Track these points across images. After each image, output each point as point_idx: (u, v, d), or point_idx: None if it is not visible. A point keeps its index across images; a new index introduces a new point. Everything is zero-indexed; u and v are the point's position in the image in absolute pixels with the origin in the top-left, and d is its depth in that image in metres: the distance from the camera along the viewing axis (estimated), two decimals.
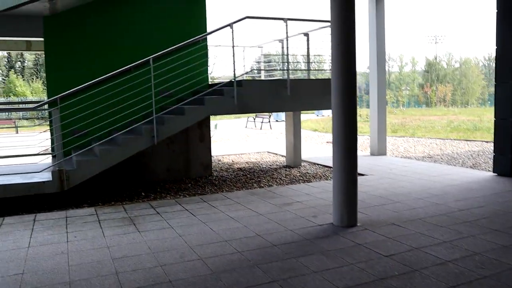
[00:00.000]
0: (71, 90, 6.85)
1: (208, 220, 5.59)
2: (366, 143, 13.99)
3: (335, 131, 5.24)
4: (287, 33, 7.89)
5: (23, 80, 47.74)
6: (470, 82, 75.23)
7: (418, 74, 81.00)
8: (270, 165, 10.34)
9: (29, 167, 7.30)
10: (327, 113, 34.86)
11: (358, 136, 5.94)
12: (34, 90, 45.28)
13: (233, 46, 7.46)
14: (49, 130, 7.61)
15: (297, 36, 8.68)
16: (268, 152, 12.87)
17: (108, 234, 5.13)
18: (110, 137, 7.12)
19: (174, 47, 7.44)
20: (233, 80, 7.44)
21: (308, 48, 8.84)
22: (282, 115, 28.38)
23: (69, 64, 8.03)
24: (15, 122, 27.40)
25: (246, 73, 9.98)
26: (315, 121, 28.62)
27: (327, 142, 15.80)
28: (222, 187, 7.87)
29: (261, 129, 23.18)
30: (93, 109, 7.08)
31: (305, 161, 10.63)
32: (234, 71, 7.43)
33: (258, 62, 11.81)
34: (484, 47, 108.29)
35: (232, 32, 7.39)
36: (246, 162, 10.91)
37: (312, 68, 9.23)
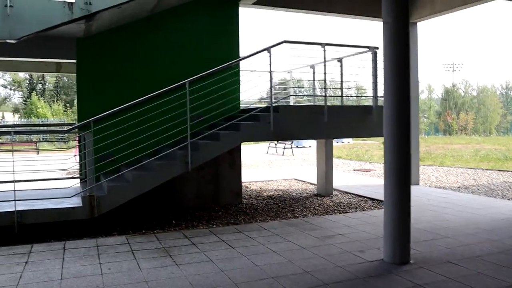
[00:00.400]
0: (104, 114, 6.65)
1: (248, 253, 5.25)
2: None
3: (387, 161, 4.92)
4: (324, 58, 7.65)
5: (44, 101, 48.23)
6: (488, 111, 74.21)
7: (435, 101, 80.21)
8: (300, 194, 9.99)
9: (58, 191, 7.05)
10: (347, 140, 34.37)
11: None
12: (54, 111, 45.70)
13: (270, 71, 7.23)
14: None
15: (331, 61, 8.43)
16: (295, 179, 12.50)
17: (145, 266, 4.82)
18: (142, 163, 6.86)
19: (210, 71, 7.25)
20: (269, 105, 7.18)
21: (341, 74, 8.58)
22: (303, 142, 27.96)
23: (101, 87, 7.86)
24: (36, 143, 27.44)
25: (284, 98, 9.74)
26: (336, 147, 28.13)
27: (354, 170, 15.40)
28: (255, 216, 7.53)
29: (283, 155, 22.85)
30: (125, 134, 6.84)
31: (335, 189, 10.24)
32: (271, 96, 7.19)
33: (287, 88, 11.60)
34: (501, 75, 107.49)
35: (270, 56, 7.17)
36: (275, 190, 10.56)
37: (345, 95, 8.94)
